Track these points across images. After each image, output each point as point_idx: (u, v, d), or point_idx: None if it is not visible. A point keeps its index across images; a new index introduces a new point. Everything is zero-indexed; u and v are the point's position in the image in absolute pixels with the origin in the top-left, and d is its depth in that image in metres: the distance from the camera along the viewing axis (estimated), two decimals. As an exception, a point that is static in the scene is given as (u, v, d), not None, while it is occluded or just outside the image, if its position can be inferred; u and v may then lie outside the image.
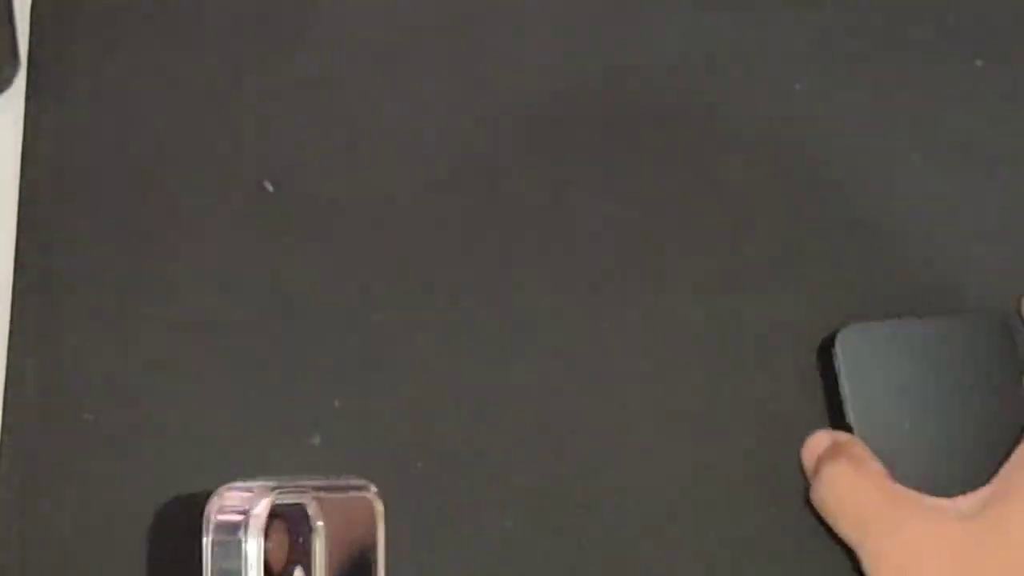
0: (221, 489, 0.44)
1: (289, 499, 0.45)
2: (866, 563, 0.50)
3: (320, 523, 0.46)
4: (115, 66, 0.58)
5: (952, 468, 0.53)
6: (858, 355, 0.54)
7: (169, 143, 0.57)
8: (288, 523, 0.45)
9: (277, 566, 0.44)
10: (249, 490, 0.44)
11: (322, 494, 0.46)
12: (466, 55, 0.58)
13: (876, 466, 0.51)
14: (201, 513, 0.44)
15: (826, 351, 0.54)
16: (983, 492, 0.51)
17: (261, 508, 0.43)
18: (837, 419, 0.53)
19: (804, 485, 0.53)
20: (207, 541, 0.43)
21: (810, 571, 0.53)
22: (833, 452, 0.52)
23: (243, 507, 0.43)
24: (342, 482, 0.47)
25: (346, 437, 0.54)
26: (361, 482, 0.47)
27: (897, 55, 0.58)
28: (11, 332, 0.56)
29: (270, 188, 0.57)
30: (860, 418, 0.53)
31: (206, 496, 0.44)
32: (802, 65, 0.58)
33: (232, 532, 0.43)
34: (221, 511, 0.43)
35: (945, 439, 0.53)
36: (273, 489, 0.44)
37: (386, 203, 0.57)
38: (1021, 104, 0.57)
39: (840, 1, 0.58)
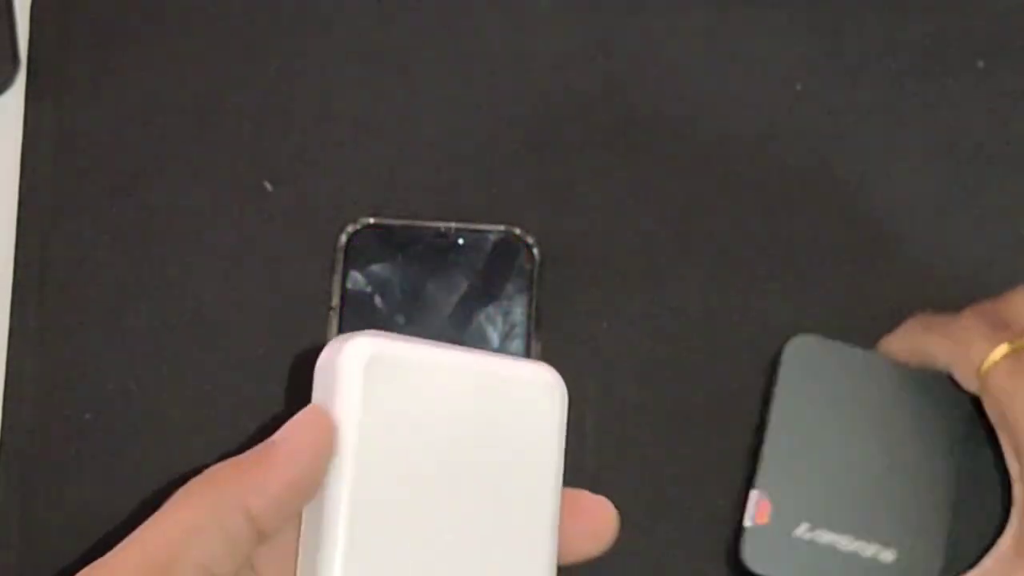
0: None
1: None
2: None
3: None
4: (115, 66, 0.58)
5: (857, 505, 0.52)
6: (802, 368, 0.53)
7: (169, 143, 0.57)
8: None
9: None
10: None
11: None
12: (466, 56, 0.58)
13: None
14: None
15: (776, 359, 0.54)
16: None
17: None
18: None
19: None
20: None
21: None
22: None
23: None
24: None
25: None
26: None
27: (898, 55, 0.58)
28: (11, 332, 0.56)
29: (270, 188, 0.57)
30: (778, 427, 0.53)
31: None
32: (802, 65, 0.57)
33: None
34: None
35: (860, 479, 0.52)
36: None
37: (387, 203, 0.57)
38: (1022, 105, 0.57)
39: (840, 2, 0.58)
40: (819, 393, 0.53)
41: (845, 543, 0.52)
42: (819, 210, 0.57)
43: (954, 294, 0.56)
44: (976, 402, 0.52)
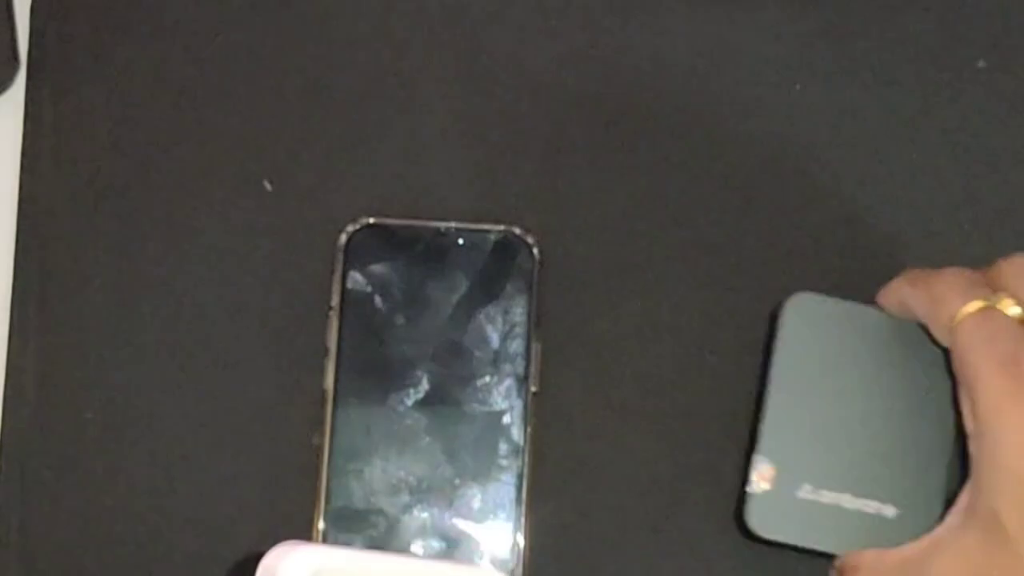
0: None
1: None
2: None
3: None
4: (115, 66, 0.58)
5: (858, 462, 0.52)
6: (801, 325, 0.53)
7: (169, 143, 0.57)
8: None
9: None
10: None
11: None
12: (466, 56, 0.58)
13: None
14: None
15: (776, 318, 0.53)
16: None
17: None
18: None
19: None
20: None
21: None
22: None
23: None
24: None
25: (345, 437, 0.54)
26: None
27: (897, 55, 0.58)
28: (11, 332, 0.56)
29: (270, 188, 0.57)
30: (779, 388, 0.52)
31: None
32: (802, 65, 0.57)
33: None
34: None
35: (861, 437, 0.52)
36: None
37: (387, 203, 0.57)
38: (1022, 105, 0.57)
39: (840, 2, 0.58)
40: (818, 351, 0.53)
41: (847, 501, 0.52)
42: (819, 210, 0.57)
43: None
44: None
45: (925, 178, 0.57)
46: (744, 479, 0.52)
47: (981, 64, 0.58)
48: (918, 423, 0.52)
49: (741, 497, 0.52)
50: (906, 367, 0.53)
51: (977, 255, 0.56)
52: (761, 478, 0.52)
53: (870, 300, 0.54)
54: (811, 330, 0.53)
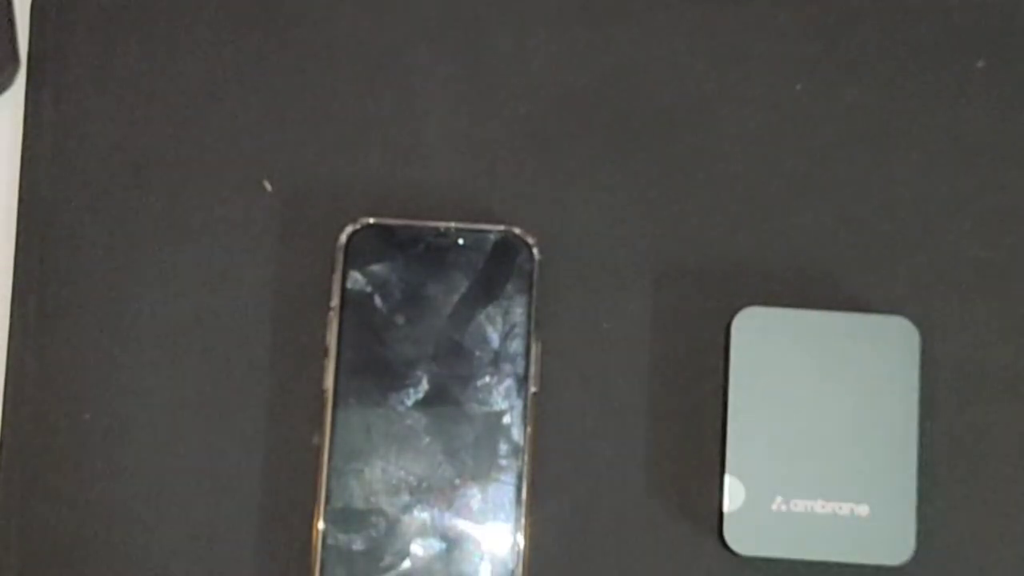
0: None
1: None
2: None
3: None
4: (115, 65, 0.58)
5: (824, 468, 0.53)
6: (752, 340, 0.54)
7: (169, 143, 0.57)
8: None
9: None
10: None
11: None
12: (466, 56, 0.58)
13: None
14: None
15: (727, 335, 0.55)
16: None
17: None
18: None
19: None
20: None
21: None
22: None
23: None
24: None
25: (345, 437, 0.54)
26: None
27: (897, 55, 0.58)
28: (11, 332, 0.56)
29: (270, 188, 0.57)
30: (738, 400, 0.53)
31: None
32: (802, 65, 0.57)
33: None
34: None
35: (823, 441, 0.53)
36: None
37: (387, 203, 0.57)
38: (1022, 105, 0.57)
39: (840, 2, 0.58)
40: (772, 363, 0.54)
41: (820, 507, 0.53)
42: (819, 210, 0.57)
43: (955, 294, 0.56)
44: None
45: (925, 178, 0.57)
46: (719, 500, 0.53)
47: (981, 64, 0.58)
48: (880, 419, 0.53)
49: (720, 517, 0.53)
50: (861, 364, 0.53)
51: (977, 255, 0.56)
52: (734, 497, 0.53)
53: (873, 298, 0.54)
54: (762, 344, 0.54)
